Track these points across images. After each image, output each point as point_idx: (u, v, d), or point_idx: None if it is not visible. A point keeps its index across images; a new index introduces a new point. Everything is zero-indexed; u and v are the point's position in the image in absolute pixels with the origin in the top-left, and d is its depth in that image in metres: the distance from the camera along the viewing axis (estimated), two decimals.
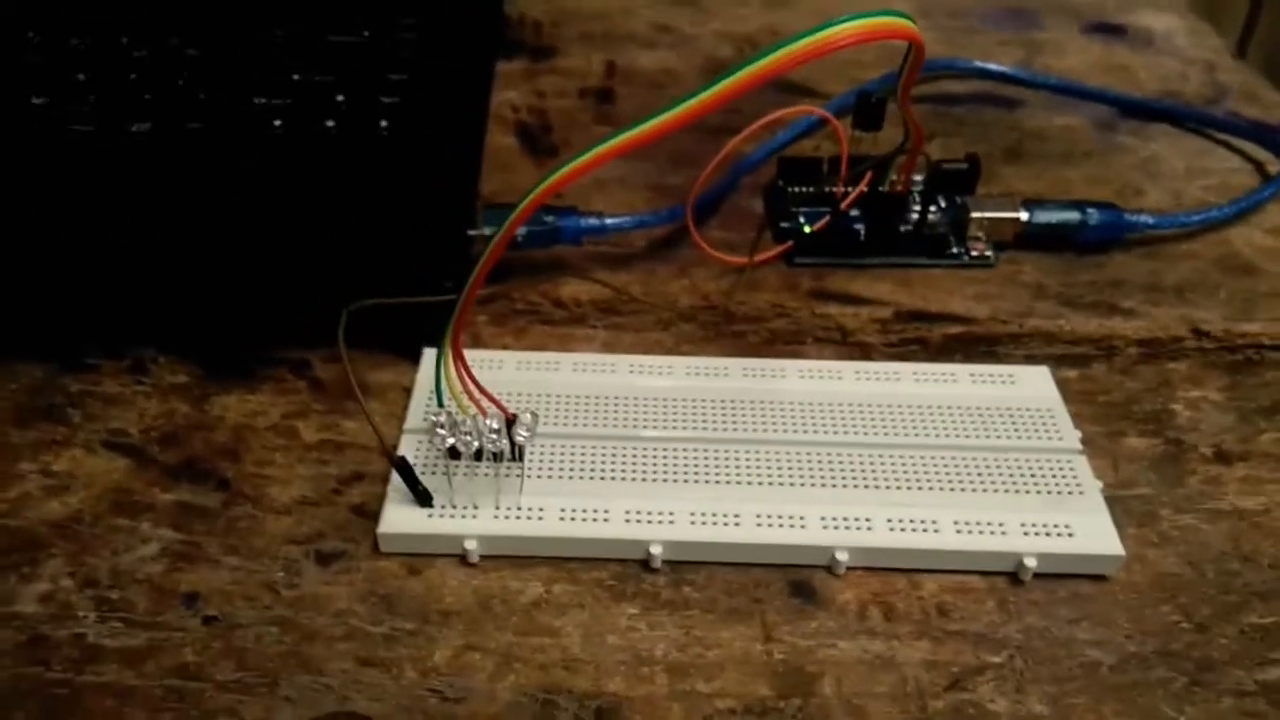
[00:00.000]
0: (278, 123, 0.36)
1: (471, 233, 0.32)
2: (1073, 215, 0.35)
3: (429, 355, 0.30)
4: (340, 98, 0.37)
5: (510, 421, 0.25)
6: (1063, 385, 0.30)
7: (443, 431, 0.25)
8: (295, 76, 0.38)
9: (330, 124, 0.36)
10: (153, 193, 0.33)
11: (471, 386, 0.25)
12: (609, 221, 0.34)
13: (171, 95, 0.37)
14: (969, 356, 0.32)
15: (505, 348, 0.32)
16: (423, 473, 0.26)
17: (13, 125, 0.35)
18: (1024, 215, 0.35)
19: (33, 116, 0.35)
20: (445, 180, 0.34)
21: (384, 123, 0.36)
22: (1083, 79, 0.46)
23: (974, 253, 0.35)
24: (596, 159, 0.23)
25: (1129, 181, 0.40)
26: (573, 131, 0.43)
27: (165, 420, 0.29)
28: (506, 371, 0.30)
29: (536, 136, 0.42)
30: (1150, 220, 0.36)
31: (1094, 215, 0.35)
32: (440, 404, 0.26)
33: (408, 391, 0.30)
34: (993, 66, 0.45)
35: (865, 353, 0.32)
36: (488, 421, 0.25)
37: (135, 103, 0.36)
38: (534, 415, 0.25)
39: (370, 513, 0.26)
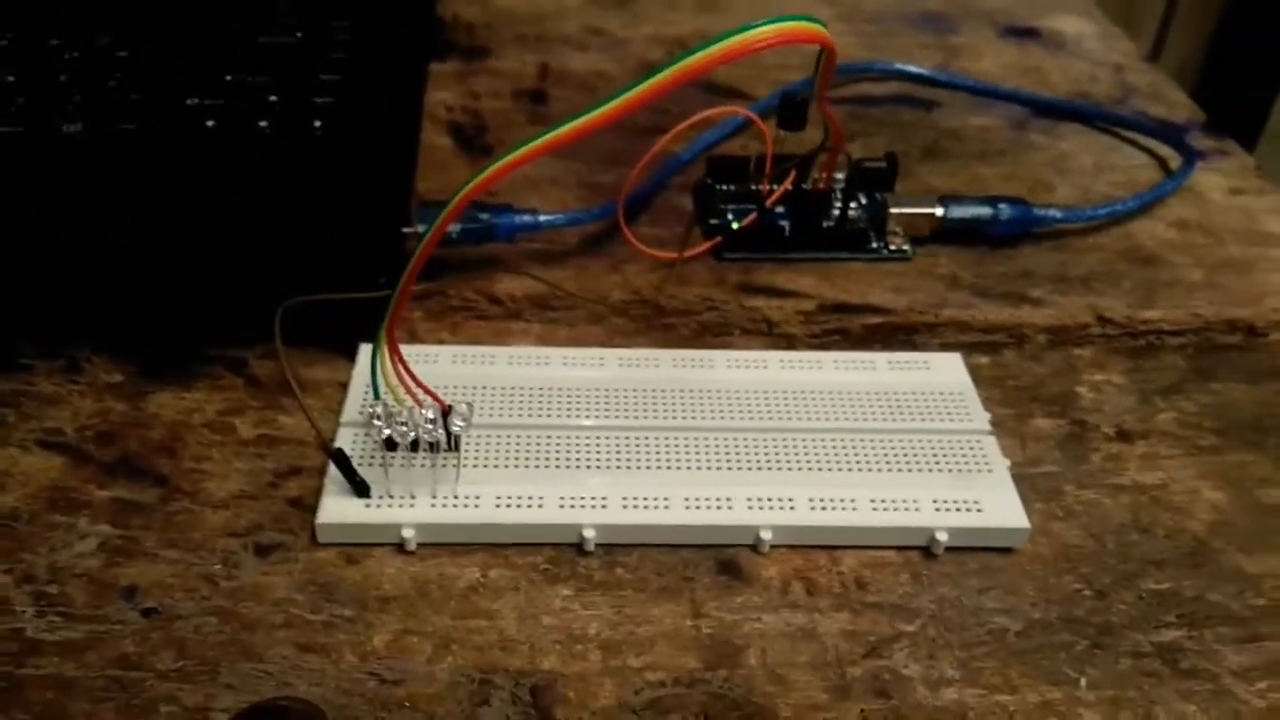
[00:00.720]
0: (210, 123, 0.36)
1: (406, 230, 0.32)
2: (985, 210, 0.37)
3: (365, 350, 0.30)
4: (273, 98, 0.38)
5: (446, 412, 0.26)
6: (974, 371, 0.31)
7: (379, 423, 0.25)
8: (228, 77, 0.38)
9: (264, 124, 0.36)
10: (85, 193, 0.33)
11: (407, 378, 0.26)
12: (542, 219, 0.35)
13: (103, 96, 0.37)
14: (887, 345, 0.33)
15: (441, 342, 0.32)
16: (360, 464, 0.27)
17: None
18: (939, 211, 0.37)
19: None
20: (379, 178, 0.34)
21: (318, 122, 0.36)
22: (998, 81, 0.48)
23: (892, 247, 0.37)
24: (527, 155, 0.24)
25: (1040, 178, 0.42)
26: (506, 131, 0.43)
27: (100, 419, 0.29)
28: (442, 365, 0.30)
29: (470, 136, 0.43)
30: (1058, 214, 0.38)
31: (1005, 210, 0.37)
32: (376, 396, 0.26)
33: (344, 386, 0.30)
34: (911, 69, 0.47)
35: (790, 343, 0.33)
36: (423, 412, 0.26)
37: (66, 103, 0.36)
38: (469, 405, 0.26)
39: (308, 505, 0.27)
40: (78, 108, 0.36)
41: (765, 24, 0.22)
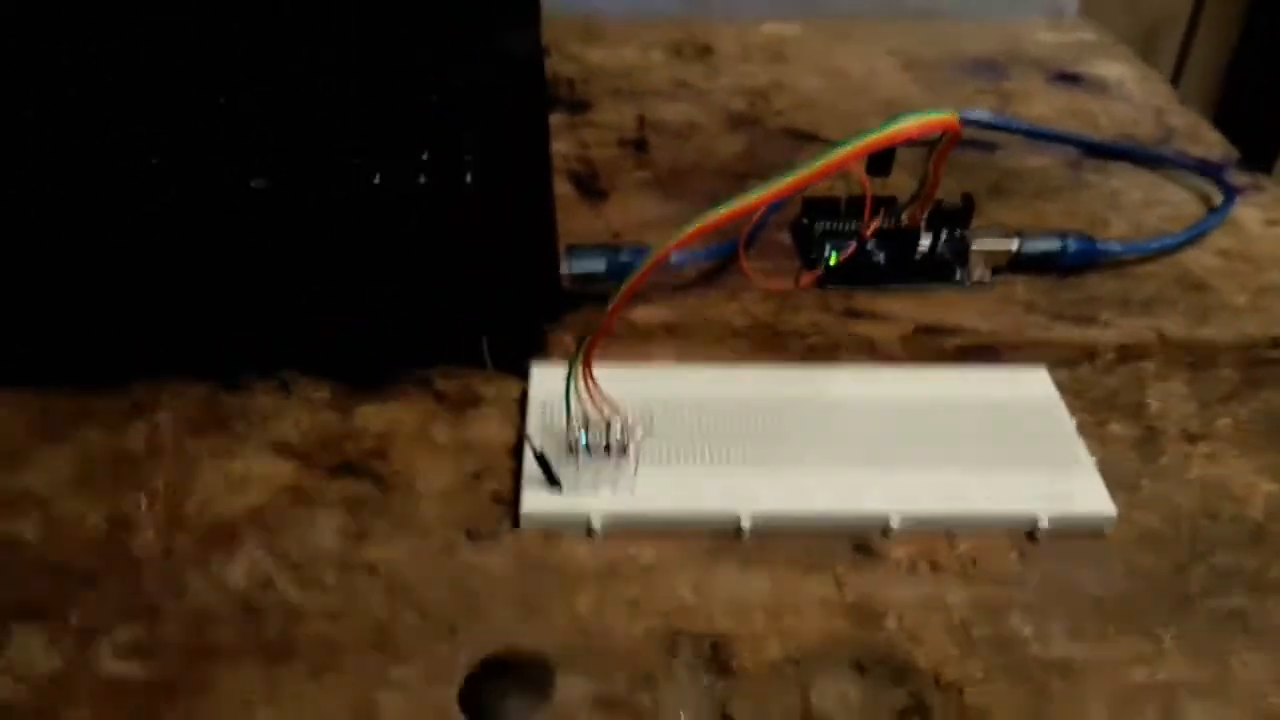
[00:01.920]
0: (377, 179, 0.42)
1: (561, 271, 0.38)
2: (1055, 244, 0.42)
3: (539, 372, 0.36)
4: (425, 155, 0.43)
5: (625, 423, 0.31)
6: (1056, 384, 0.37)
7: (576, 426, 0.31)
8: (376, 136, 0.44)
9: (421, 179, 0.42)
10: (278, 244, 0.38)
11: (597, 393, 0.31)
12: (674, 259, 0.40)
13: (285, 155, 0.42)
14: (977, 362, 0.38)
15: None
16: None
17: (124, 191, 0.40)
18: (1015, 245, 0.42)
19: (157, 177, 0.41)
20: (530, 224, 0.40)
21: (468, 176, 0.42)
22: (1050, 124, 0.53)
23: (975, 277, 0.42)
24: (758, 202, 0.29)
25: (1096, 213, 0.47)
26: (617, 176, 0.49)
27: (316, 429, 0.35)
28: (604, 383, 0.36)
29: (586, 182, 0.49)
30: (1119, 248, 0.43)
31: (1072, 244, 0.42)
32: (568, 410, 0.31)
33: (517, 402, 0.35)
34: (973, 115, 0.52)
35: (890, 361, 0.38)
36: (605, 418, 0.31)
37: (254, 161, 0.42)
38: (650, 416, 0.31)
39: (504, 499, 0.32)
40: (264, 165, 0.42)
41: (912, 117, 0.27)
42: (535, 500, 0.31)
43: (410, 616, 0.29)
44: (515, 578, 0.30)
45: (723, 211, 0.28)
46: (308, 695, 0.27)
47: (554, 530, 0.31)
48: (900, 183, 0.39)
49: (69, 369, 0.36)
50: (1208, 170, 0.49)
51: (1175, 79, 0.97)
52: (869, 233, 0.41)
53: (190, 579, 0.30)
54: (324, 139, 0.44)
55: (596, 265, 0.39)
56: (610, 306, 0.29)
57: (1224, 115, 0.99)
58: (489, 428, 0.35)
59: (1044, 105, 0.56)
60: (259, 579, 0.30)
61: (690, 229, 0.29)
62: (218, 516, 0.32)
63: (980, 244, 0.42)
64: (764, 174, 0.38)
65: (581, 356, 0.30)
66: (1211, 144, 0.53)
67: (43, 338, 0.36)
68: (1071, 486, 0.32)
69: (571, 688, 0.28)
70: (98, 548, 0.31)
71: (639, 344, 0.39)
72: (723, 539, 0.32)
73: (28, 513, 0.31)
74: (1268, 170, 0.51)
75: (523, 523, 0.31)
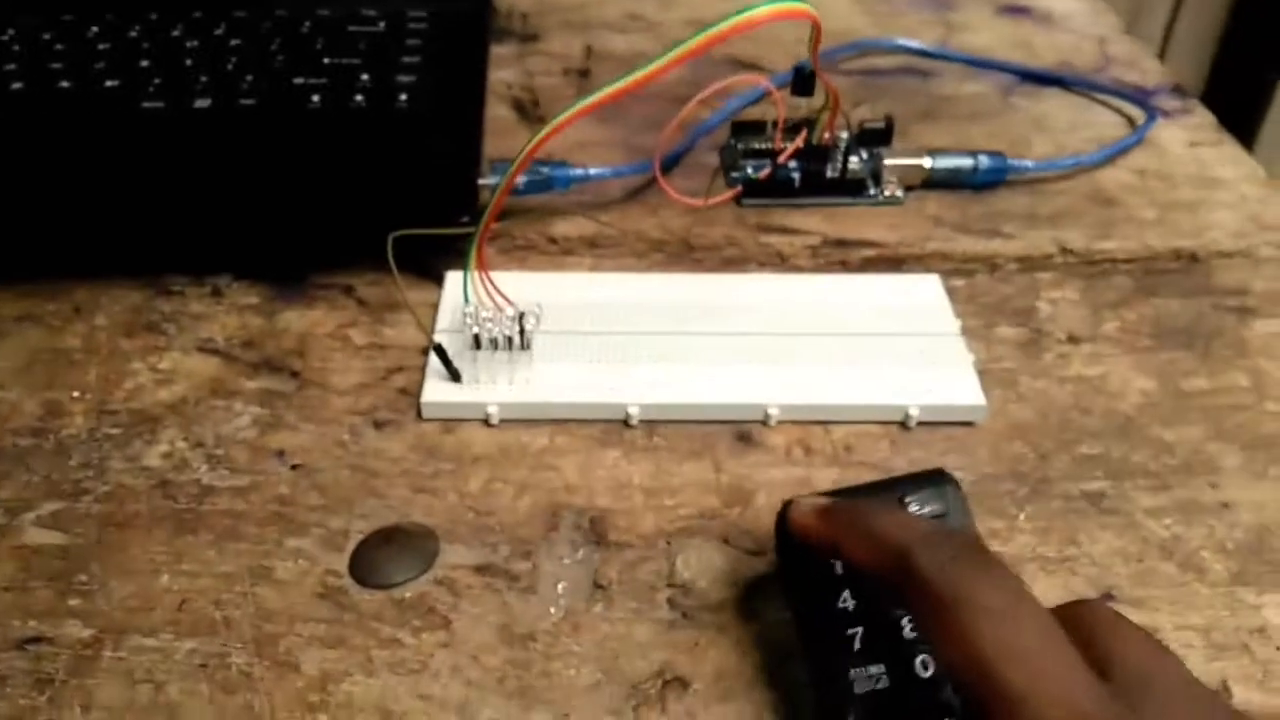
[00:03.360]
0: (315, 98, 0.43)
1: (481, 181, 0.40)
2: (967, 161, 0.43)
3: (451, 277, 0.38)
4: (365, 77, 0.45)
5: (520, 315, 0.33)
6: (952, 292, 0.38)
7: (470, 322, 0.32)
8: (326, 60, 0.46)
9: (359, 99, 0.44)
10: (217, 157, 0.40)
11: (492, 288, 0.33)
12: (592, 172, 0.42)
13: (225, 78, 0.44)
14: (881, 273, 0.40)
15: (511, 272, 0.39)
16: (452, 360, 0.34)
17: (89, 105, 0.42)
18: (928, 162, 0.43)
19: (110, 97, 0.43)
20: (454, 140, 0.42)
21: (403, 96, 0.44)
22: (990, 53, 0.54)
23: (887, 193, 0.43)
24: (575, 115, 0.31)
25: (1021, 136, 0.48)
26: (558, 104, 0.50)
27: (243, 330, 0.37)
28: (513, 287, 0.37)
29: (527, 108, 0.50)
30: (1030, 165, 0.44)
31: (984, 161, 0.43)
32: (466, 301, 0.33)
33: (433, 307, 0.37)
34: (911, 43, 0.53)
35: (799, 272, 0.40)
36: (503, 315, 0.33)
37: (195, 84, 0.44)
38: (540, 306, 0.33)
39: (411, 393, 0.34)
40: (205, 87, 0.44)
41: (764, 4, 0.29)
42: (436, 391, 0.33)
43: (311, 495, 0.31)
44: (414, 461, 0.32)
45: (577, 108, 0.30)
46: (209, 560, 0.29)
47: (455, 420, 0.34)
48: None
49: (15, 272, 0.38)
50: (1138, 97, 0.50)
51: (1168, 28, 0.97)
52: (785, 155, 0.43)
53: (112, 461, 0.32)
54: (268, 62, 0.46)
55: (517, 179, 0.41)
56: (495, 196, 0.31)
57: (1218, 65, 0.99)
58: (406, 331, 0.37)
59: (988, 35, 0.57)
60: (175, 461, 0.32)
61: (568, 114, 0.30)
62: (142, 407, 0.34)
63: (893, 160, 0.43)
64: (705, 100, 0.40)
65: (474, 250, 0.32)
66: (1149, 71, 0.53)
67: None
68: (946, 381, 0.34)
69: (455, 555, 0.30)
70: (30, 432, 0.33)
71: (560, 256, 0.41)
72: (613, 429, 0.34)
73: None
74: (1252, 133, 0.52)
75: (424, 412, 0.33)
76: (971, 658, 0.21)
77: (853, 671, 0.24)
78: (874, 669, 0.24)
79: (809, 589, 0.25)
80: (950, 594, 0.21)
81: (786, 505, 0.27)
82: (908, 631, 0.24)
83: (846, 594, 0.25)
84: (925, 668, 0.24)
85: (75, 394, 0.34)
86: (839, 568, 0.25)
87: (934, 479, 0.27)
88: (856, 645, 0.24)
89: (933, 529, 0.24)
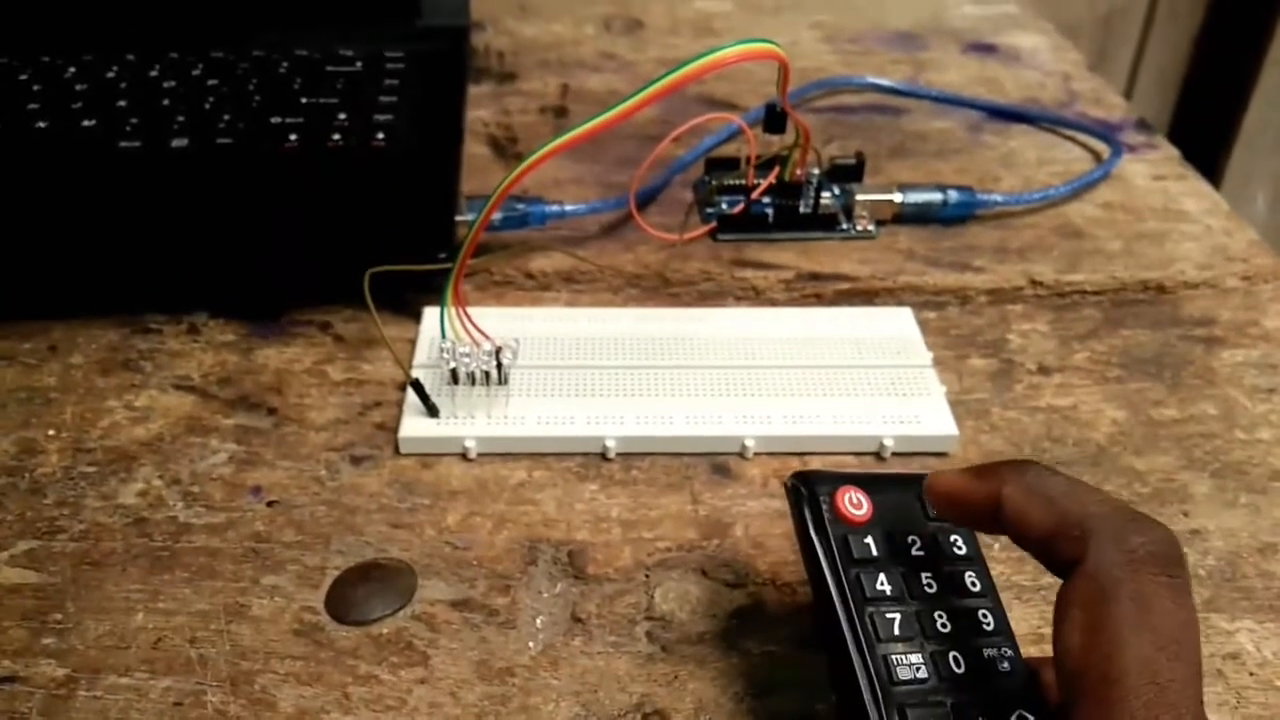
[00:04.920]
0: (293, 137, 0.44)
1: (458, 218, 0.40)
2: (936, 196, 0.44)
3: (430, 312, 0.38)
4: (342, 116, 0.45)
5: (497, 351, 0.33)
6: (923, 324, 0.39)
7: (447, 357, 0.33)
8: (303, 100, 0.46)
9: (337, 137, 0.44)
10: (194, 195, 0.41)
11: (469, 324, 0.33)
12: (568, 208, 0.43)
13: (203, 117, 0.44)
14: (854, 306, 0.40)
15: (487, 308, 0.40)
16: (430, 395, 0.34)
17: (66, 145, 0.42)
18: (898, 197, 0.44)
19: (87, 137, 0.43)
20: (431, 178, 0.42)
21: (380, 135, 0.44)
22: (959, 90, 0.55)
23: (859, 227, 0.44)
24: (550, 152, 0.31)
25: (989, 171, 0.49)
26: (534, 142, 0.50)
27: (219, 368, 0.37)
28: (490, 323, 0.38)
29: (504, 146, 0.51)
30: (999, 198, 0.45)
31: (953, 195, 0.44)
32: (444, 336, 0.34)
33: (411, 342, 0.37)
34: (882, 81, 0.54)
35: (773, 305, 0.40)
36: (481, 349, 0.33)
37: (172, 123, 0.44)
38: (517, 341, 0.33)
39: (389, 428, 0.34)
40: (183, 127, 0.44)
41: (733, 45, 0.29)
42: (413, 426, 0.34)
43: (287, 532, 0.31)
44: (391, 496, 0.32)
45: (553, 145, 0.30)
46: (184, 598, 0.29)
47: (433, 455, 0.34)
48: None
49: None
50: (1102, 131, 0.51)
51: (1135, 65, 0.99)
52: (758, 191, 0.43)
53: (87, 499, 0.32)
54: (245, 102, 0.46)
55: (494, 215, 0.41)
56: (471, 232, 0.31)
57: (1183, 100, 1.01)
58: (383, 367, 0.37)
59: (956, 73, 0.58)
60: (151, 499, 0.32)
61: (543, 150, 0.31)
62: (118, 444, 0.34)
63: (865, 195, 0.44)
64: (679, 137, 0.40)
65: (451, 286, 0.32)
66: (1113, 107, 0.55)
67: None
68: (919, 412, 0.34)
69: (433, 591, 0.30)
70: (5, 471, 0.33)
71: (537, 291, 0.41)
72: (591, 462, 0.34)
73: None
74: (1221, 154, 0.53)
75: (402, 447, 0.33)
76: (1110, 676, 0.19)
77: (894, 656, 0.23)
78: (914, 658, 0.23)
79: (842, 565, 0.25)
80: (1125, 594, 0.19)
81: (802, 475, 0.26)
82: (946, 621, 0.24)
83: (882, 577, 0.24)
84: (977, 656, 0.23)
85: (51, 432, 0.34)
86: (875, 549, 0.25)
87: None
88: (895, 630, 0.24)
89: (1122, 506, 0.21)
